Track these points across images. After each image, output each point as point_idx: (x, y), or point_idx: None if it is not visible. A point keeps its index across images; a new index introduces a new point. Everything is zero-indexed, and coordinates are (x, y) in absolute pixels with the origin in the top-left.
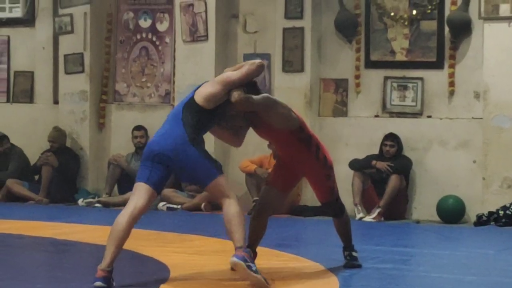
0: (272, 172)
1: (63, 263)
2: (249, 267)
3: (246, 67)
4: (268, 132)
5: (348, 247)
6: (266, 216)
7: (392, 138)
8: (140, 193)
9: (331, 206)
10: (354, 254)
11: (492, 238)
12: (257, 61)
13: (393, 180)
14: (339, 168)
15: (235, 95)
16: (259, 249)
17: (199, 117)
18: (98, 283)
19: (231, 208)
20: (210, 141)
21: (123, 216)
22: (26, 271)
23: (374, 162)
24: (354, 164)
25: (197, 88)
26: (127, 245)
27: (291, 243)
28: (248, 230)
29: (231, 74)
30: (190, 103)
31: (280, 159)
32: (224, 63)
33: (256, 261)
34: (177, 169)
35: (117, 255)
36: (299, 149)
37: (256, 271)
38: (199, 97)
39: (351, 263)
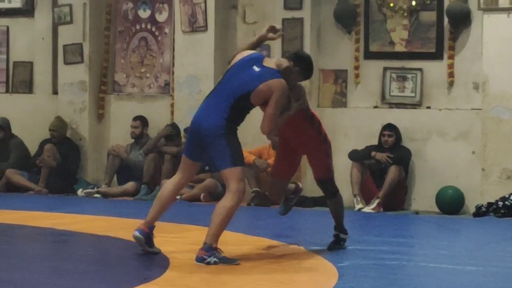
0: (275, 164)
1: (62, 253)
2: (208, 263)
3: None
4: None
5: (337, 227)
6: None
7: (390, 128)
8: (184, 166)
9: (327, 184)
10: (341, 236)
11: (491, 228)
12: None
13: (392, 171)
14: (338, 159)
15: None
16: (258, 239)
17: (245, 111)
18: (136, 233)
19: (224, 202)
20: None
21: (170, 183)
22: (26, 261)
23: (373, 153)
24: (354, 155)
25: (255, 80)
26: (126, 235)
27: (290, 234)
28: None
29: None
30: (245, 101)
31: (280, 145)
32: (223, 54)
33: (256, 251)
34: (203, 147)
35: (159, 214)
36: (304, 126)
37: (215, 262)
38: (254, 99)
39: (333, 245)
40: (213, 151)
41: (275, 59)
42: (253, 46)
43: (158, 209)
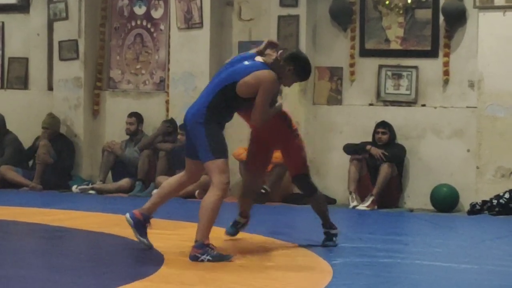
0: (248, 158)
1: (57, 249)
2: (202, 261)
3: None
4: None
5: (325, 224)
6: (253, 196)
7: (383, 125)
8: (187, 166)
9: (305, 181)
10: (332, 231)
11: (485, 226)
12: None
13: (385, 169)
14: (333, 156)
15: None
16: (252, 236)
17: (231, 104)
18: (127, 215)
19: (208, 197)
20: None
21: (173, 179)
22: (20, 258)
23: (368, 146)
24: (348, 148)
25: (242, 72)
26: (121, 232)
27: (285, 231)
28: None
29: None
30: (230, 88)
31: (253, 139)
32: (218, 51)
33: (251, 248)
34: (189, 139)
35: (156, 206)
36: (276, 121)
37: (209, 260)
38: (241, 90)
39: (326, 243)
40: (196, 143)
41: (264, 58)
42: None
43: (155, 201)
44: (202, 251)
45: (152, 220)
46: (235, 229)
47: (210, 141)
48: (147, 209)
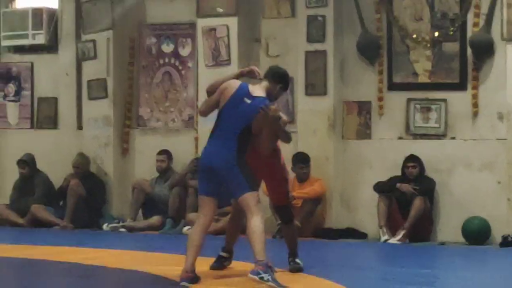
0: None
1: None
2: (261, 278)
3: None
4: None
5: (292, 254)
6: (241, 221)
7: (413, 159)
8: (205, 205)
9: (285, 210)
10: (297, 260)
11: None
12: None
13: (418, 202)
14: (364, 191)
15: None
16: (283, 272)
17: (248, 141)
18: (184, 283)
19: (252, 222)
20: None
21: (198, 226)
22: None
23: (398, 184)
24: (379, 187)
25: (253, 111)
26: (152, 269)
27: (316, 266)
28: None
29: None
30: (247, 131)
31: None
32: None
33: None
34: (221, 180)
35: (195, 258)
36: (269, 154)
37: (268, 280)
38: (255, 127)
39: (294, 266)
40: (230, 182)
41: (258, 85)
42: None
43: (194, 254)
44: (265, 270)
45: (182, 257)
46: (220, 263)
47: (246, 177)
48: (191, 266)
